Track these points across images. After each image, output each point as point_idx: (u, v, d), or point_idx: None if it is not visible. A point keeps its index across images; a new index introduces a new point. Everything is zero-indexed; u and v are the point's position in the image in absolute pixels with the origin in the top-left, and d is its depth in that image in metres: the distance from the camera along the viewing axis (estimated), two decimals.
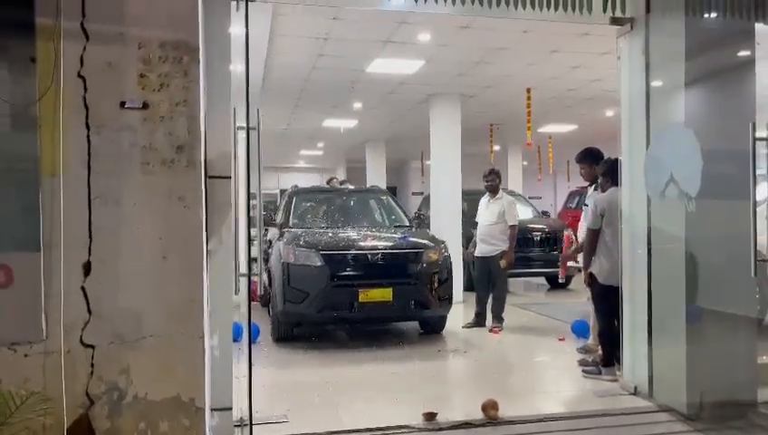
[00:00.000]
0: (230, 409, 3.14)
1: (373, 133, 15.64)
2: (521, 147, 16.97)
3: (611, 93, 9.65)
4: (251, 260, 2.81)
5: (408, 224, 7.45)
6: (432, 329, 6.63)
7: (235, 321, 3.74)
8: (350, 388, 4.70)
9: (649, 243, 4.40)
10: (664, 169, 4.22)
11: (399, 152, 19.11)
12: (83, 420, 2.41)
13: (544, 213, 12.12)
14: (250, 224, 2.85)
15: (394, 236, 6.70)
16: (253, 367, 2.94)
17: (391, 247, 6.26)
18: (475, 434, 3.76)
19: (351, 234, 6.70)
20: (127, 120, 2.50)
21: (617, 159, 5.07)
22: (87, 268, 2.46)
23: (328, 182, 10.83)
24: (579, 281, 6.82)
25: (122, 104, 2.49)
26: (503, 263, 6.88)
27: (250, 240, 2.82)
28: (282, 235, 6.65)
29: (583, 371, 4.97)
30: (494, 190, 7.16)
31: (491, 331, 6.79)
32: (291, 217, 7.31)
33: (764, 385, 4.06)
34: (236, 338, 4.40)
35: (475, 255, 7.22)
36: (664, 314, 4.28)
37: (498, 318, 6.98)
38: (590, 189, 5.74)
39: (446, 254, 6.48)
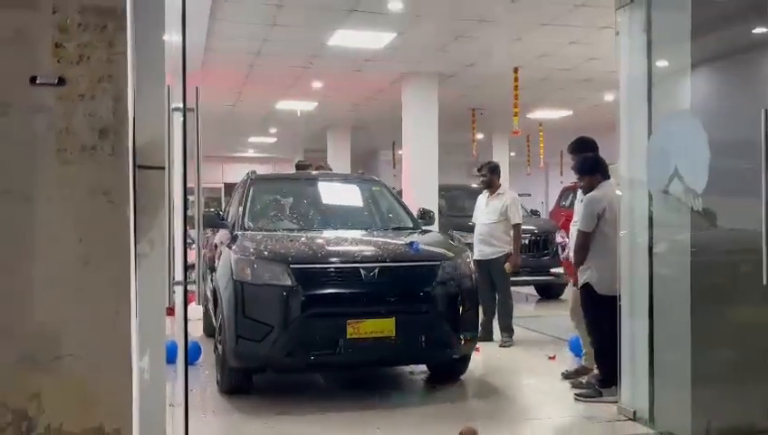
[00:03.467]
0: None
1: (336, 118, 15.67)
2: (508, 136, 17.18)
3: (612, 74, 9.84)
4: (187, 267, 2.79)
5: (412, 226, 6.39)
6: (449, 375, 5.68)
7: (170, 339, 3.72)
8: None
9: (651, 247, 4.51)
10: (667, 162, 4.33)
11: (367, 141, 19.18)
12: None
13: (534, 212, 12.32)
14: (186, 223, 2.82)
15: (397, 242, 5.68)
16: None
17: (395, 259, 5.24)
18: None
19: (335, 240, 5.65)
20: (39, 99, 2.45)
21: (591, 155, 5.41)
22: None
23: (299, 167, 9.17)
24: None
25: (33, 80, 2.44)
26: (508, 267, 7.10)
27: (186, 242, 2.80)
28: (233, 240, 5.56)
29: (577, 394, 5.07)
30: (490, 186, 7.33)
31: (502, 345, 7.02)
32: (246, 214, 6.06)
33: None
34: (171, 359, 4.39)
35: (474, 258, 7.34)
36: (667, 329, 4.39)
37: (508, 330, 7.17)
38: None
39: (470, 267, 5.61)
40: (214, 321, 5.70)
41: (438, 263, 5.21)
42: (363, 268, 4.99)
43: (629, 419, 4.55)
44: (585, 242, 5.02)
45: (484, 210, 7.32)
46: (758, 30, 4.25)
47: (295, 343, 4.78)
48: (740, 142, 4.17)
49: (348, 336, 4.75)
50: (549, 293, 10.91)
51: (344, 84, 11.38)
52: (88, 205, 2.50)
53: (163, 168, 3.08)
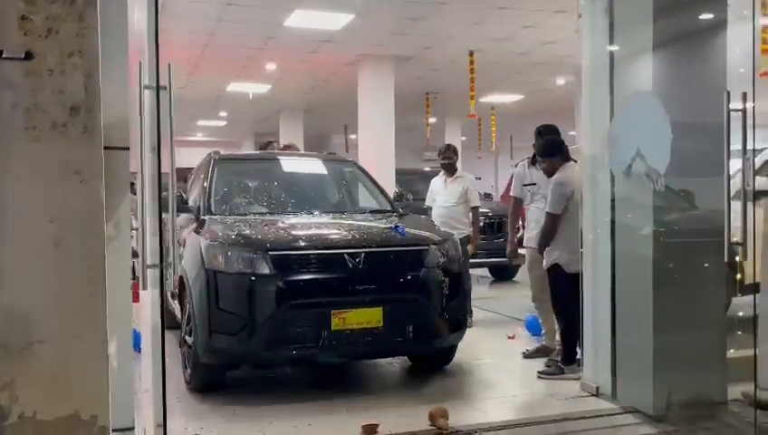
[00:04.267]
0: (131, 429, 3.06)
1: (289, 101, 15.51)
2: (460, 120, 17.30)
3: (566, 58, 9.98)
4: (163, 249, 2.71)
5: (391, 209, 5.93)
6: (435, 364, 5.36)
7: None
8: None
9: (613, 227, 4.60)
10: (629, 143, 4.41)
11: (320, 125, 19.06)
12: None
13: (487, 195, 12.44)
14: (161, 205, 2.75)
15: (380, 226, 5.22)
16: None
17: (381, 244, 4.81)
18: None
19: (314, 224, 5.15)
20: (5, 75, 2.35)
21: (556, 138, 5.50)
22: None
23: (264, 147, 8.39)
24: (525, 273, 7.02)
25: None
26: (470, 248, 7.09)
27: (161, 225, 2.72)
28: (200, 224, 5.09)
29: (540, 372, 5.16)
30: (451, 169, 7.31)
31: None
32: (212, 197, 5.48)
33: (734, 382, 4.35)
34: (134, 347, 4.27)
35: None
36: (629, 307, 4.50)
37: (468, 312, 7.17)
38: (522, 165, 6.01)
39: (459, 251, 5.24)
40: (177, 312, 5.30)
41: (427, 247, 4.86)
42: (348, 254, 4.58)
43: (592, 395, 4.65)
44: (555, 224, 5.08)
45: (443, 193, 7.33)
46: (714, 15, 4.36)
47: (275, 336, 4.38)
48: (699, 124, 4.26)
49: (332, 328, 4.40)
50: (502, 274, 11.06)
51: (299, 66, 11.25)
52: (59, 184, 2.42)
53: (127, 148, 3.00)
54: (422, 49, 9.98)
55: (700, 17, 4.43)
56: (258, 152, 7.63)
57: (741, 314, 5.50)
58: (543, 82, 12.75)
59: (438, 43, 9.59)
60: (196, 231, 5.00)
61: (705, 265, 4.33)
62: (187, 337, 4.83)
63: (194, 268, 4.67)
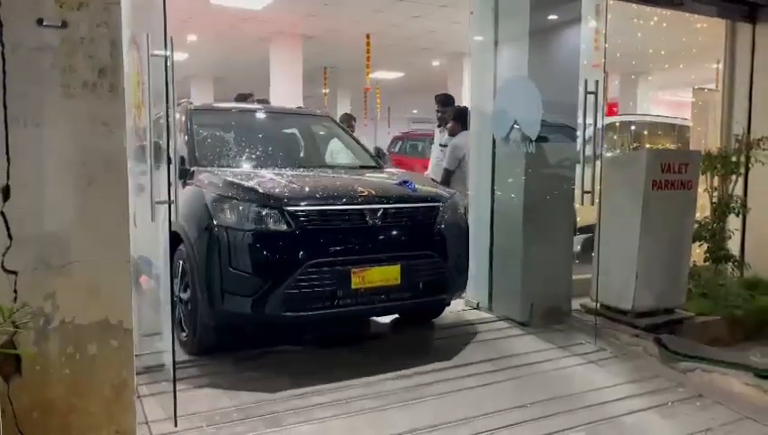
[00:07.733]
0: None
1: (201, 69, 14.98)
2: (350, 92, 17.41)
3: (442, 45, 10.37)
4: (169, 186, 2.83)
5: (375, 164, 5.06)
6: (428, 317, 4.79)
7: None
8: None
9: (493, 180, 5.06)
10: (509, 116, 4.83)
11: (227, 91, 18.37)
12: (8, 346, 2.37)
13: None
14: (169, 153, 2.86)
15: (388, 182, 4.38)
16: None
17: (397, 200, 4.01)
18: (346, 349, 4.15)
19: (322, 179, 4.29)
20: (45, 40, 2.39)
21: (465, 107, 5.73)
22: (5, 192, 2.36)
23: (240, 98, 7.29)
24: None
25: (40, 22, 2.37)
26: None
27: (169, 166, 2.84)
28: (189, 176, 4.10)
29: None
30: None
31: None
32: (196, 148, 4.44)
33: (577, 296, 5.01)
34: None
35: None
36: (502, 242, 4.95)
37: None
38: (437, 131, 6.34)
39: (463, 209, 4.50)
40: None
41: (439, 204, 4.14)
42: (368, 210, 3.82)
43: (474, 308, 5.11)
44: (448, 177, 5.56)
45: None
46: (573, 12, 4.73)
47: (293, 296, 3.56)
48: (557, 102, 4.68)
49: (352, 287, 3.67)
50: None
51: (217, 39, 10.94)
52: (90, 133, 2.52)
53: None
54: (328, 30, 10.03)
55: (563, 14, 4.74)
56: (235, 104, 6.06)
57: (579, 247, 6.20)
58: (422, 63, 13.11)
59: (343, 25, 9.67)
60: (187, 183, 4.07)
61: (559, 209, 4.88)
62: (182, 295, 3.94)
63: (198, 224, 3.73)
